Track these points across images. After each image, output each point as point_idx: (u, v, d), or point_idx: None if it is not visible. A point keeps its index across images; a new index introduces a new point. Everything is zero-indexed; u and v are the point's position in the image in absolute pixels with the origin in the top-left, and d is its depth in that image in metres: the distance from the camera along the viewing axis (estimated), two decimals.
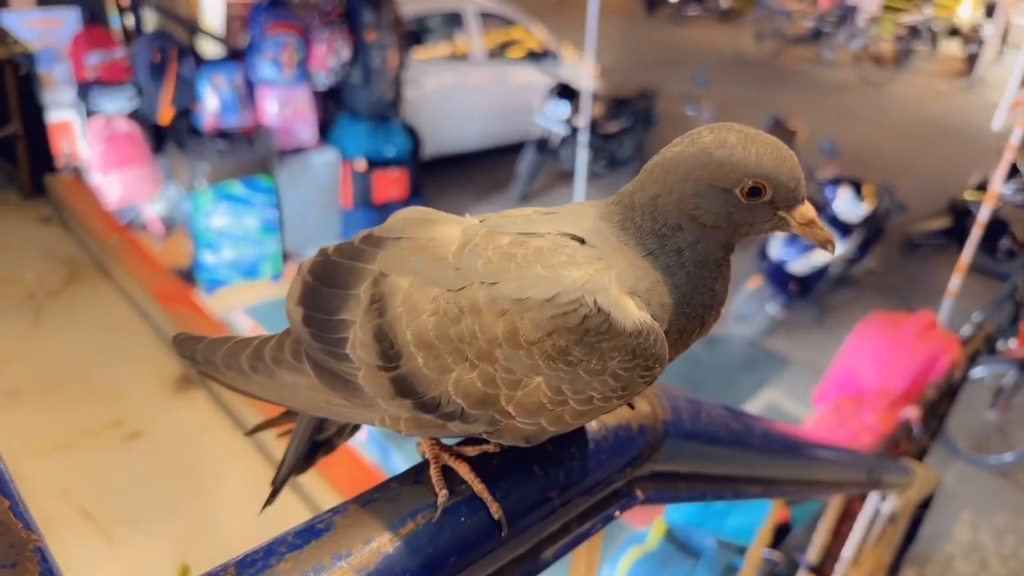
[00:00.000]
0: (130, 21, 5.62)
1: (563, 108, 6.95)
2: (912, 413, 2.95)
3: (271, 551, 0.52)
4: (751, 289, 5.72)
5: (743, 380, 5.25)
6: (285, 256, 5.71)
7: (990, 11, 14.31)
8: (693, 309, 0.62)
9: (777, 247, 5.68)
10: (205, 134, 5.20)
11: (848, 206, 5.75)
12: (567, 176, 6.92)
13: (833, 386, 3.41)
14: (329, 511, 0.56)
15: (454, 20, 7.42)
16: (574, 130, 6.62)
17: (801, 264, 5.63)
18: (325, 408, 0.66)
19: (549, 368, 0.56)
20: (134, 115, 5.31)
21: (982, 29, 13.61)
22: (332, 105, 5.93)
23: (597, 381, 0.57)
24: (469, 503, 0.59)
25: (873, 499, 2.29)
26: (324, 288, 0.65)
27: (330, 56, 5.49)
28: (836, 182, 5.79)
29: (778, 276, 5.65)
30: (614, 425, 0.67)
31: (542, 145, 7.09)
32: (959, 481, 4.62)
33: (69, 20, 5.10)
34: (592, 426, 0.67)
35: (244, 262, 5.46)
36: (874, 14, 13.94)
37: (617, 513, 0.67)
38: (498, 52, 7.76)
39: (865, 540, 2.37)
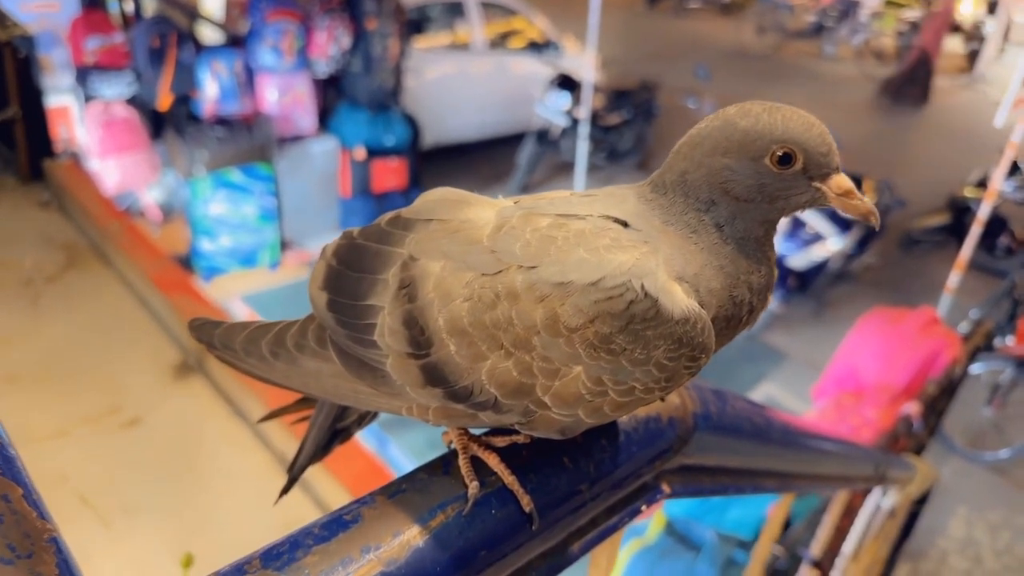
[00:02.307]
0: (129, 6, 5.56)
1: (564, 99, 6.92)
2: (913, 409, 2.94)
3: (297, 543, 0.50)
4: None
5: (741, 374, 5.25)
6: (283, 245, 5.68)
7: (992, 8, 14.29)
8: (740, 294, 0.60)
9: (776, 242, 5.66)
10: (204, 121, 5.16)
11: None
12: (567, 168, 6.89)
13: (833, 381, 3.40)
14: (356, 502, 0.54)
15: (455, 9, 7.37)
16: (575, 121, 6.59)
17: (800, 259, 5.63)
18: (350, 396, 0.64)
19: (590, 357, 0.54)
20: (133, 101, 5.26)
21: (983, 26, 13.59)
22: (332, 93, 5.89)
23: (640, 371, 0.55)
24: (499, 495, 0.57)
25: (875, 494, 2.29)
26: (350, 272, 0.63)
27: (330, 44, 5.45)
28: None
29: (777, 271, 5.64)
30: (644, 417, 0.66)
31: (542, 136, 7.06)
32: (955, 477, 4.63)
33: (68, 4, 5.04)
34: (622, 418, 0.65)
35: (242, 250, 5.43)
36: (876, 9, 13.91)
37: (643, 507, 0.65)
38: (499, 42, 7.72)
39: (865, 535, 2.38)
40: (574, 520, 0.62)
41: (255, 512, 2.32)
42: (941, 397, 3.26)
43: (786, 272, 5.63)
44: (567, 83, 6.97)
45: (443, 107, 7.10)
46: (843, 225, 5.76)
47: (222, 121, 5.17)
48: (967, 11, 14.50)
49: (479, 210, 0.63)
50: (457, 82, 7.21)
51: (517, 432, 0.62)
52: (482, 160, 7.56)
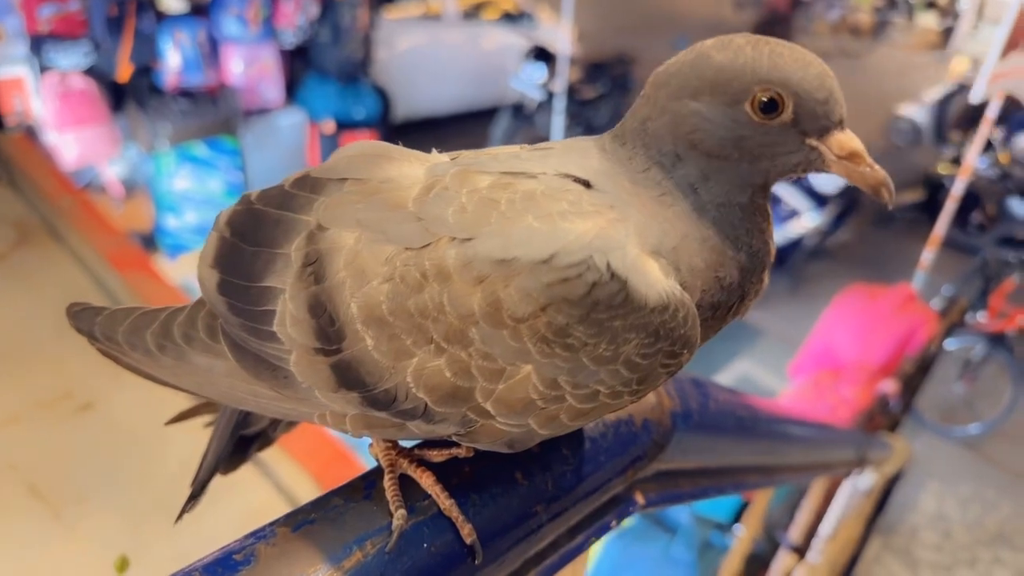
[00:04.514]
0: None
1: (539, 72, 6.79)
2: (890, 387, 2.92)
3: None
4: None
5: (715, 351, 5.22)
6: None
7: None
8: (728, 274, 0.48)
9: None
10: (167, 93, 4.97)
11: (824, 177, 5.71)
12: (540, 139, 6.78)
13: (810, 359, 3.37)
14: (251, 535, 0.42)
15: None
16: (550, 95, 6.47)
17: (775, 235, 5.59)
18: (249, 400, 0.51)
19: (542, 354, 0.42)
20: (91, 72, 5.03)
21: (958, 2, 13.61)
22: (299, 64, 5.70)
23: (605, 371, 0.43)
24: (434, 524, 0.46)
25: (853, 476, 2.25)
26: (244, 246, 0.50)
27: (298, 13, 5.26)
28: None
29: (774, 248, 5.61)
30: (614, 421, 0.56)
31: (517, 110, 6.93)
32: (927, 452, 4.66)
33: None
34: None
35: (207, 226, 5.27)
36: None
37: (613, 523, 0.56)
38: (473, 13, 7.54)
39: (843, 515, 2.35)
40: (529, 547, 0.51)
41: (212, 501, 2.22)
42: (916, 374, 3.25)
43: None
44: (542, 55, 6.83)
45: (415, 79, 6.93)
46: (819, 201, 5.73)
47: (185, 93, 4.98)
48: None
49: (405, 167, 0.51)
50: (429, 53, 7.04)
51: (457, 444, 0.50)
52: (455, 134, 7.41)
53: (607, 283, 0.42)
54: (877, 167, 0.48)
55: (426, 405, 0.45)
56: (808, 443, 1.06)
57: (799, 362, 3.48)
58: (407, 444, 0.52)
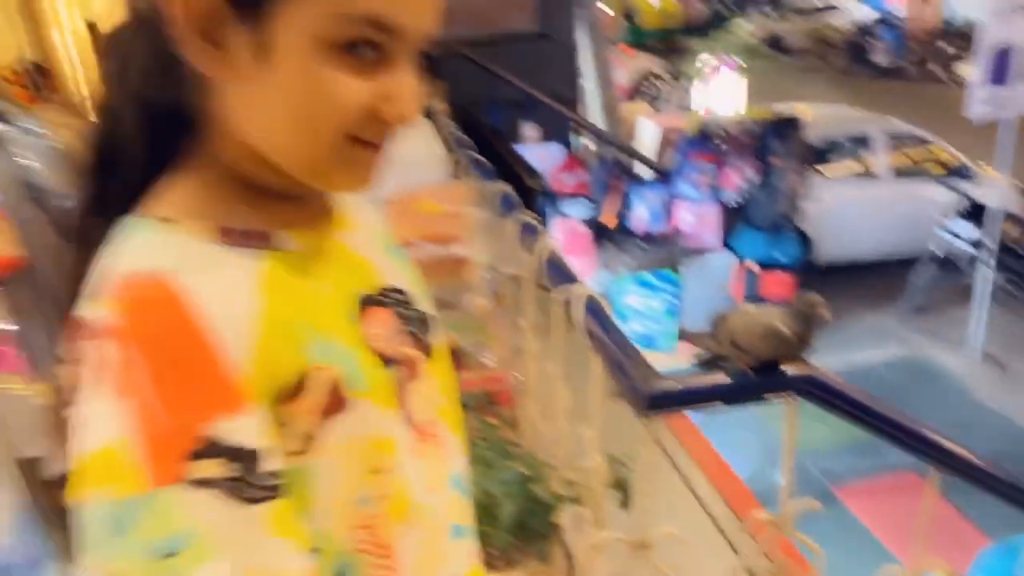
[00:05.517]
0: (594, 152, 7.63)
1: (970, 225, 6.94)
2: None
3: None
4: None
5: None
6: (679, 335, 6.97)
7: None
8: None
9: None
10: (633, 235, 6.83)
11: None
12: (965, 293, 6.86)
13: None
14: None
15: (861, 141, 8.01)
16: (981, 248, 6.60)
17: None
18: None
19: None
20: (587, 219, 7.20)
21: None
22: (735, 216, 7.08)
23: None
24: None
25: None
26: None
27: (739, 179, 6.69)
28: None
29: None
30: None
31: (943, 260, 7.13)
32: None
33: (556, 151, 7.23)
34: None
35: (647, 335, 6.88)
36: None
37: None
38: (907, 170, 8.04)
39: None
40: None
41: None
42: None
43: None
44: (975, 209, 6.98)
45: (840, 228, 7.66)
46: None
47: (646, 236, 6.77)
48: None
49: None
50: (856, 206, 7.74)
51: None
52: (876, 279, 7.82)
53: None
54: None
55: None
56: None
57: None
58: None
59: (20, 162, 1.83)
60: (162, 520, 0.50)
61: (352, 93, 0.55)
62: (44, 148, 1.91)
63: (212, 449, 0.52)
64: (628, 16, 19.39)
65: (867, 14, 19.28)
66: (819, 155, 7.92)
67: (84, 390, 0.53)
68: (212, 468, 0.51)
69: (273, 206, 0.62)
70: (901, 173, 8.04)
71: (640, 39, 18.29)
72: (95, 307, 0.54)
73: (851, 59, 17.37)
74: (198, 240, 0.57)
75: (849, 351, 6.64)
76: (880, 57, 16.96)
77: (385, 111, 0.57)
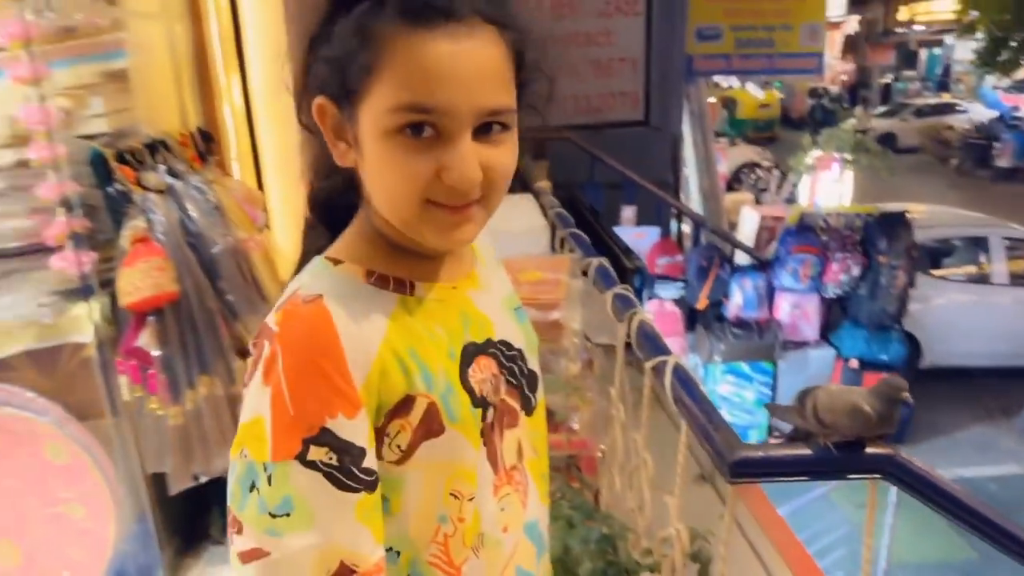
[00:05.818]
0: (691, 236, 7.69)
1: None
2: None
3: None
4: None
5: None
6: (770, 429, 6.75)
7: None
8: None
9: None
10: (728, 321, 6.74)
11: None
12: None
13: None
14: None
15: (978, 243, 7.71)
16: None
17: None
18: None
19: None
20: (679, 300, 7.18)
21: None
22: (837, 310, 6.90)
23: None
24: None
25: None
26: None
27: (842, 273, 6.54)
28: None
29: None
30: None
31: None
32: None
33: (651, 234, 7.32)
34: None
35: (737, 426, 6.68)
36: None
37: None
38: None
39: None
40: None
41: None
42: None
43: None
44: None
45: (950, 332, 7.33)
46: None
47: (741, 323, 6.67)
48: None
49: None
50: (970, 310, 7.41)
51: None
52: (985, 389, 7.38)
53: None
54: None
55: None
56: None
57: None
58: None
59: (184, 213, 2.12)
60: (275, 486, 0.64)
61: (416, 165, 0.68)
62: (203, 202, 2.20)
63: (324, 439, 0.65)
64: (727, 106, 19.61)
65: (984, 113, 18.69)
66: (931, 256, 7.68)
67: (250, 376, 0.69)
68: (321, 454, 0.65)
69: (414, 261, 0.78)
70: (1020, 280, 7.65)
71: (739, 130, 18.41)
72: (273, 315, 0.71)
73: (969, 159, 16.78)
74: (351, 277, 0.74)
75: (956, 463, 6.23)
76: (1002, 159, 16.31)
77: (445, 177, 0.68)
